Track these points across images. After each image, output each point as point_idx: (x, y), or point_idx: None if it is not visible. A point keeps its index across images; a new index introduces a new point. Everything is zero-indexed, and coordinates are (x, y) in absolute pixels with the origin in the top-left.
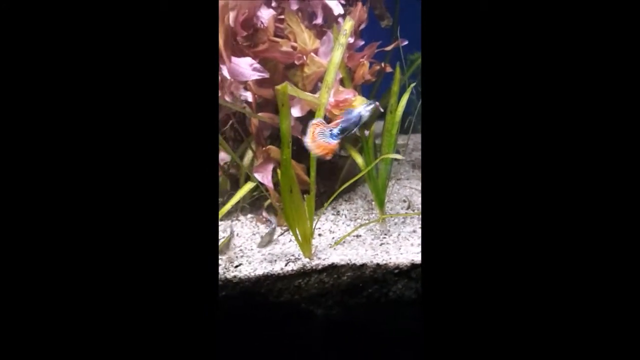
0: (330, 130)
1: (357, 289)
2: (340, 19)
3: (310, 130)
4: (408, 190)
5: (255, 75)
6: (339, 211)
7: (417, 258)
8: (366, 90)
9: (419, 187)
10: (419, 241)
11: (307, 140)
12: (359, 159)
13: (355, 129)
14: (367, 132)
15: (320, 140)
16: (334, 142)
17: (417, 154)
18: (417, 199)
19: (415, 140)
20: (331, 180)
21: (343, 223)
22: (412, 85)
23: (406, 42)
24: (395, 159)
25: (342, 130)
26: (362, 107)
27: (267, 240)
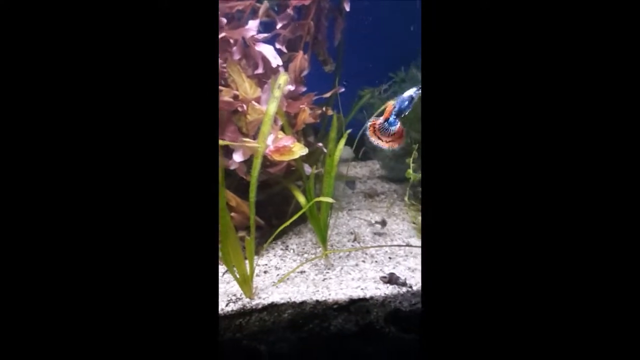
0: (387, 121)
1: (298, 325)
2: (281, 69)
3: (370, 132)
4: (357, 221)
5: None
6: (287, 245)
7: (356, 293)
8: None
9: (369, 218)
10: (360, 274)
11: (376, 142)
12: (302, 199)
13: (409, 109)
14: (308, 171)
15: (384, 136)
16: (397, 127)
17: (372, 182)
18: (365, 230)
19: (372, 167)
20: (284, 212)
21: (290, 258)
22: (348, 131)
23: (343, 90)
24: (350, 183)
25: (398, 114)
26: (412, 91)
27: None
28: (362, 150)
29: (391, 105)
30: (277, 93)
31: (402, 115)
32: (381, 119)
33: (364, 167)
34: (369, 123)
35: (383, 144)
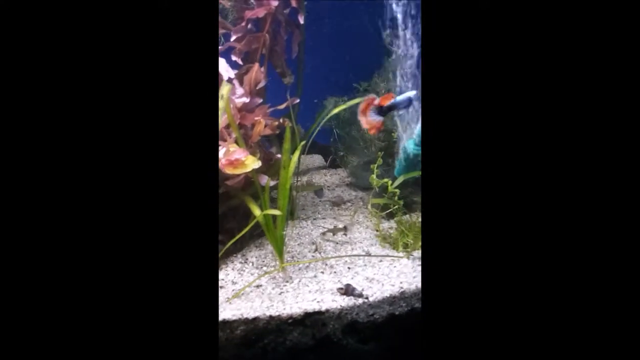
0: (380, 108)
1: (251, 341)
2: (235, 82)
3: (362, 105)
4: (321, 230)
5: None
6: (247, 258)
7: (311, 306)
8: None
9: (332, 227)
10: (318, 286)
11: (360, 119)
12: (257, 211)
13: (403, 110)
14: (263, 181)
15: (370, 117)
16: (379, 119)
17: (340, 190)
18: (328, 239)
19: (342, 175)
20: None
21: (248, 272)
22: (302, 143)
23: (297, 101)
24: (318, 191)
25: (389, 108)
26: (412, 93)
27: None
28: (330, 158)
29: (391, 95)
30: (220, 104)
31: (390, 111)
32: (377, 101)
33: (334, 175)
34: (365, 99)
35: (364, 125)
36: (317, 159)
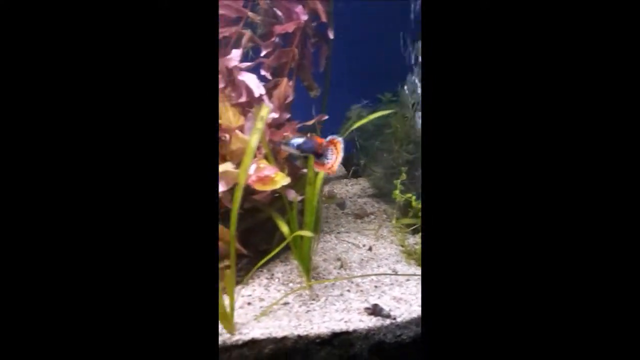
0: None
1: None
2: (265, 97)
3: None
4: (345, 245)
5: None
6: (273, 274)
7: (338, 326)
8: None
9: (357, 241)
10: (345, 305)
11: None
12: (284, 228)
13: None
14: (290, 196)
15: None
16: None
17: (363, 201)
18: (353, 255)
19: (363, 185)
20: (273, 238)
21: (275, 288)
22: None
23: (326, 117)
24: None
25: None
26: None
27: None
28: (352, 169)
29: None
30: (260, 125)
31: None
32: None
33: (355, 186)
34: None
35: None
36: (339, 168)
